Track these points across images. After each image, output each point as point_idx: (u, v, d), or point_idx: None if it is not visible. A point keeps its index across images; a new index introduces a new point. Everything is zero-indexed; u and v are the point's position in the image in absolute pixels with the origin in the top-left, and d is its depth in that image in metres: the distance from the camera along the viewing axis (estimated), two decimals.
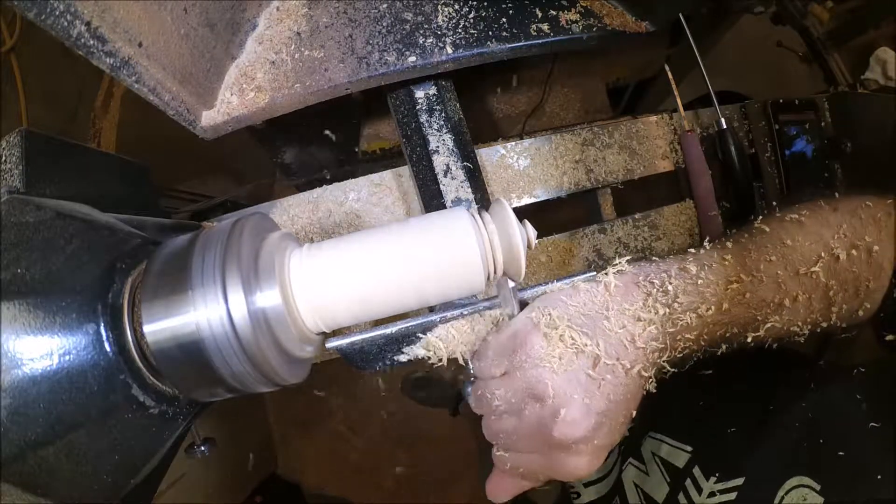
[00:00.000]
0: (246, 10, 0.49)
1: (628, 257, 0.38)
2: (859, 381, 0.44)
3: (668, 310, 0.36)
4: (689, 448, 0.47)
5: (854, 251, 0.42)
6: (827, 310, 0.42)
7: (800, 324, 0.41)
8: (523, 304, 0.38)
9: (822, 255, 0.41)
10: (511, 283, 0.38)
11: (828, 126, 0.73)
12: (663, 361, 0.37)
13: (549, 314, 0.35)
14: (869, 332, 0.48)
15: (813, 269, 0.40)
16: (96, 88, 1.04)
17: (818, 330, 0.43)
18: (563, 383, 0.33)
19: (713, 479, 0.43)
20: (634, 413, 0.36)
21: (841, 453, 0.39)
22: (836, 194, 0.47)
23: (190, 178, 1.02)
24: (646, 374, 0.35)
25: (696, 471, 0.45)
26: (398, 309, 0.37)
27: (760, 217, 0.45)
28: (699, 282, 0.37)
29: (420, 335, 0.39)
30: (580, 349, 0.33)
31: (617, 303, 0.36)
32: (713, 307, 0.37)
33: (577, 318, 0.35)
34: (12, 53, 1.21)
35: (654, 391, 0.37)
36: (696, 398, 0.53)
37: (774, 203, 0.46)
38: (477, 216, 0.37)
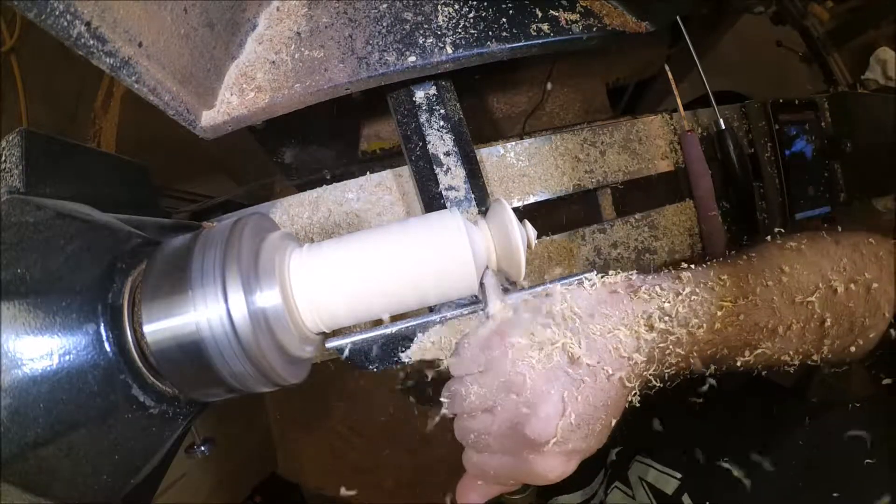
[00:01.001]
0: (246, 10, 0.49)
1: (610, 272, 0.37)
2: (855, 416, 0.43)
3: (657, 322, 0.35)
4: (678, 475, 0.47)
5: (853, 286, 0.41)
6: (819, 342, 0.42)
7: (791, 353, 0.41)
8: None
9: (820, 285, 0.40)
10: (492, 280, 0.37)
11: (828, 126, 0.73)
12: (650, 374, 0.36)
13: (532, 311, 0.35)
14: (862, 373, 0.47)
15: (809, 298, 0.40)
16: (96, 88, 1.04)
17: (808, 362, 0.43)
18: (541, 379, 0.32)
19: None
20: (614, 422, 0.35)
21: (836, 494, 0.39)
22: (839, 227, 0.46)
23: (190, 178, 1.02)
24: (629, 385, 0.34)
25: (686, 498, 0.45)
26: (398, 309, 0.37)
27: (760, 242, 0.44)
28: (693, 298, 0.36)
29: (420, 334, 0.39)
30: (561, 346, 0.33)
31: (605, 307, 0.35)
32: (705, 325, 0.36)
33: (559, 318, 0.34)
34: (12, 53, 1.21)
35: (639, 406, 0.36)
36: (685, 424, 0.53)
37: (777, 230, 0.46)
38: (479, 217, 0.37)
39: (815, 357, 0.42)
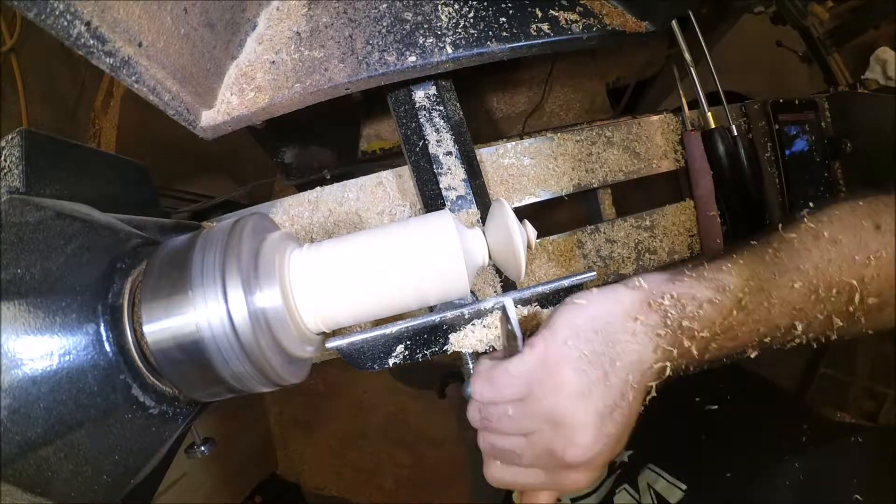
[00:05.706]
0: (246, 10, 0.49)
1: (639, 273, 0.37)
2: (854, 452, 0.43)
3: (678, 332, 0.35)
4: (683, 486, 0.47)
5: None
6: (838, 326, 0.40)
7: (804, 338, 0.40)
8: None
9: (854, 283, 0.39)
10: (513, 307, 0.37)
11: (828, 126, 0.73)
12: (660, 383, 0.36)
13: (579, 343, 0.34)
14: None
15: (839, 296, 0.38)
16: (96, 88, 1.04)
17: (822, 339, 0.41)
18: (582, 412, 0.33)
19: None
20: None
21: None
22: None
23: (190, 178, 1.02)
24: (651, 395, 0.35)
25: None
26: (397, 308, 0.37)
27: (793, 223, 0.42)
28: (714, 304, 0.36)
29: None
30: (601, 379, 0.34)
31: (633, 321, 0.35)
32: (721, 332, 0.36)
33: (597, 341, 0.34)
34: (12, 53, 1.20)
35: (656, 416, 0.37)
36: (698, 435, 0.53)
37: (811, 204, 0.43)
38: (477, 218, 0.37)
39: (831, 336, 0.41)
